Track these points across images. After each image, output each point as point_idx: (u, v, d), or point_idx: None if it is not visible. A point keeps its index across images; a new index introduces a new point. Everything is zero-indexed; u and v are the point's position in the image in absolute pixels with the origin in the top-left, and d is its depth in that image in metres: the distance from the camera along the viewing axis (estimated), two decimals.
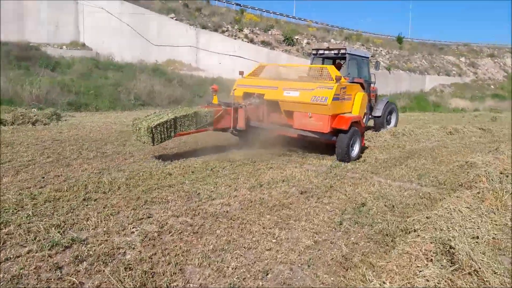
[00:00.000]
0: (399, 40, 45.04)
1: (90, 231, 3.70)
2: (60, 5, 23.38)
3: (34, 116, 10.35)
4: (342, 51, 11.27)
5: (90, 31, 24.37)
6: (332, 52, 11.58)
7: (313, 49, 12.71)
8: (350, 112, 7.67)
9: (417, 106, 26.63)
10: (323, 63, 12.02)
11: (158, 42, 25.35)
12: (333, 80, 7.20)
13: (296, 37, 30.79)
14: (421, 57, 41.81)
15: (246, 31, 28.09)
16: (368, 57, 12.56)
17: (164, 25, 25.52)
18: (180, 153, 7.60)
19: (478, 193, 4.78)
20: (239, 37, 27.22)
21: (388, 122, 13.13)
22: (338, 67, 11.35)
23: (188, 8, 28.94)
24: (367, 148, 9.01)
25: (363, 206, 4.68)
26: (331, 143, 7.56)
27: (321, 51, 11.98)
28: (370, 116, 12.21)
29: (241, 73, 8.92)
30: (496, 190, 4.86)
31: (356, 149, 7.71)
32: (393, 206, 4.72)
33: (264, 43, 27.53)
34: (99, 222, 3.90)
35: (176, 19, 25.94)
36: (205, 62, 26.00)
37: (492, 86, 40.65)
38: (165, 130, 6.40)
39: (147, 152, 7.31)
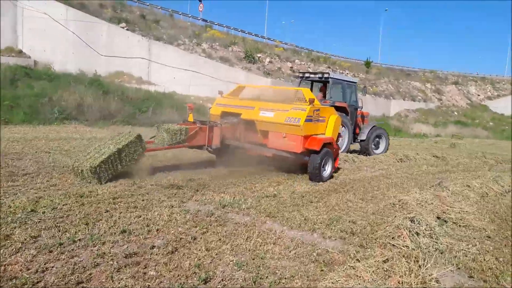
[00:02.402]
0: (367, 64, 44.95)
1: None
2: None
3: None
4: (326, 75, 11.53)
5: (30, 37, 22.31)
6: (317, 76, 11.87)
7: (299, 72, 13.04)
8: (324, 134, 7.75)
9: None
10: (311, 87, 12.53)
11: (106, 53, 23.54)
12: (307, 102, 7.29)
13: (259, 55, 29.68)
14: (387, 82, 41.61)
15: (204, 45, 26.74)
16: (355, 83, 12.71)
17: (114, 35, 23.79)
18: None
19: (386, 260, 3.24)
20: (196, 52, 25.79)
21: (376, 147, 12.81)
22: (322, 91, 11.78)
23: (145, 19, 27.38)
24: (340, 169, 8.92)
25: (204, 283, 3.01)
26: (304, 163, 7.66)
27: (306, 75, 12.28)
28: (357, 140, 12.38)
29: (221, 92, 9.12)
30: (417, 255, 3.35)
31: (328, 170, 7.78)
32: (255, 282, 3.08)
33: (223, 59, 26.20)
34: None
35: (127, 29, 24.28)
36: (157, 76, 24.33)
37: (455, 113, 40.69)
38: (111, 165, 5.92)
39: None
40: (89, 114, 15.63)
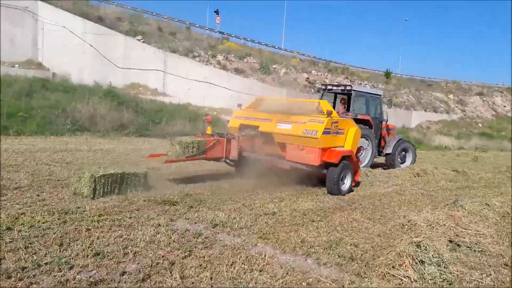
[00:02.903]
0: (387, 75, 44.14)
1: None
2: (18, 21, 21.94)
3: None
4: (348, 88, 11.49)
5: (50, 50, 22.82)
6: (339, 88, 11.86)
7: (322, 85, 13.13)
8: (343, 146, 7.66)
9: None
10: (335, 99, 12.43)
11: (123, 65, 23.83)
12: (325, 115, 7.27)
13: (274, 66, 29.48)
14: (408, 93, 40.65)
15: (219, 57, 26.73)
16: (380, 95, 12.49)
17: (131, 47, 24.09)
18: None
19: None
20: (211, 63, 25.81)
21: (402, 161, 12.58)
22: (343, 103, 11.65)
23: (161, 32, 27.67)
24: (360, 183, 8.71)
25: None
26: (322, 176, 7.60)
27: (329, 87, 12.25)
28: (383, 153, 12.24)
29: (239, 105, 9.11)
30: None
31: (347, 183, 7.67)
32: None
33: (238, 71, 26.11)
34: None
35: (143, 41, 24.55)
36: (172, 88, 24.43)
37: (480, 124, 39.29)
38: (110, 184, 5.78)
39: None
40: (101, 125, 15.67)
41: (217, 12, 40.52)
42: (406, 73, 51.22)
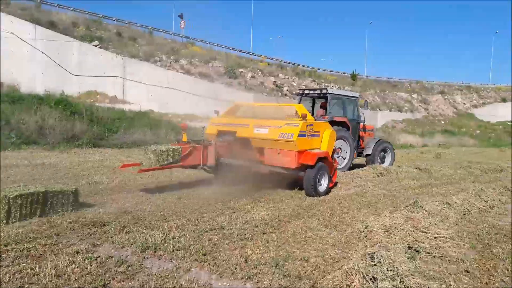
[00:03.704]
0: (353, 77, 44.68)
1: None
2: None
3: None
4: (324, 91, 11.51)
5: None
6: (316, 92, 11.92)
7: (299, 89, 13.10)
8: (319, 149, 7.76)
9: None
10: (313, 103, 12.81)
11: (79, 72, 22.71)
12: (300, 118, 7.37)
13: (240, 70, 29.03)
14: (373, 94, 41.25)
15: (183, 61, 26.01)
16: (356, 97, 12.60)
17: (86, 53, 23.01)
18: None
19: None
20: (173, 68, 25.06)
21: (382, 161, 12.74)
22: (323, 107, 11.73)
23: (120, 37, 26.67)
24: (337, 183, 8.80)
25: None
26: (300, 178, 7.65)
27: (306, 91, 12.39)
28: (363, 154, 12.51)
29: (216, 112, 9.11)
30: None
31: (324, 184, 7.76)
32: None
33: (202, 75, 25.48)
34: None
35: (100, 47, 23.52)
36: (133, 94, 23.51)
37: (442, 122, 40.31)
38: (29, 204, 4.99)
39: None
40: (50, 137, 14.64)
41: (181, 16, 39.73)
42: (372, 75, 52.11)
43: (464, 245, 4.69)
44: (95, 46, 23.47)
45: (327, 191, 7.87)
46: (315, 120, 10.36)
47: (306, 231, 5.13)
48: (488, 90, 51.42)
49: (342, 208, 6.57)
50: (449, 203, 6.46)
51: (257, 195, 7.28)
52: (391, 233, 4.61)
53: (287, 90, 29.54)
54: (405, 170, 11.66)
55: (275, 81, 30.57)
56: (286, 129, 7.28)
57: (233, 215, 5.75)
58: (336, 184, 8.66)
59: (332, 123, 10.85)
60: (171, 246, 4.26)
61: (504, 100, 48.16)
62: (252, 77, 29.09)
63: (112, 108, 20.40)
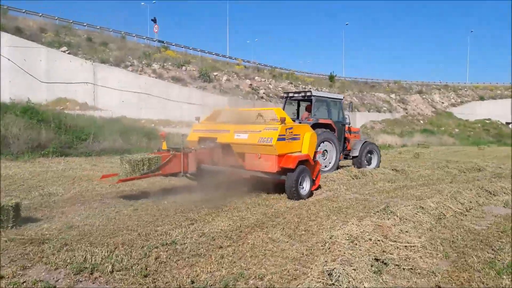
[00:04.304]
0: (331, 78, 44.75)
1: None
2: None
3: None
4: (308, 94, 11.44)
5: None
6: (300, 95, 11.81)
7: (284, 93, 12.99)
8: (300, 152, 7.69)
9: None
10: (298, 106, 12.82)
11: (47, 79, 21.85)
12: (279, 122, 7.34)
13: (215, 73, 28.55)
14: (351, 95, 41.28)
15: (155, 66, 25.38)
16: (341, 99, 12.53)
17: (55, 60, 22.16)
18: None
19: None
20: (145, 73, 24.40)
21: (369, 162, 12.74)
22: (308, 110, 11.74)
23: (91, 42, 25.88)
24: (320, 187, 8.65)
25: None
26: (281, 182, 7.58)
27: (291, 94, 12.33)
28: (350, 156, 12.50)
29: (197, 118, 9.11)
30: None
31: (306, 187, 7.70)
32: None
33: (176, 79, 24.90)
34: None
35: (69, 53, 22.70)
36: (105, 101, 22.75)
37: (421, 121, 40.64)
38: None
39: None
40: (14, 147, 13.88)
41: (154, 20, 39.25)
42: (350, 76, 52.41)
43: (437, 254, 4.33)
44: (64, 52, 22.65)
45: (310, 193, 7.80)
46: (300, 123, 10.45)
47: (267, 243, 4.69)
48: (465, 89, 52.25)
49: (310, 216, 6.17)
50: (423, 207, 6.12)
51: (222, 203, 6.82)
52: (356, 244, 4.21)
53: (263, 93, 29.19)
54: (381, 172, 11.39)
55: (251, 84, 30.20)
56: (265, 133, 7.26)
57: (190, 227, 5.28)
58: (319, 186, 8.54)
59: (317, 125, 10.96)
60: (111, 266, 3.77)
61: (481, 98, 49.01)
62: (227, 80, 28.65)
63: (81, 116, 19.65)
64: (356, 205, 7.02)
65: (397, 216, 5.44)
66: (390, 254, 4.11)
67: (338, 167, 11.64)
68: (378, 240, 4.38)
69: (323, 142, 11.03)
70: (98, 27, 31.57)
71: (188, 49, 37.58)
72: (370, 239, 4.37)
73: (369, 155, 12.79)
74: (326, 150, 11.28)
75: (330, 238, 4.57)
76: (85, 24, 30.83)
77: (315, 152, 8.25)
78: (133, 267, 3.78)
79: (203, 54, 38.25)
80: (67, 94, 22.05)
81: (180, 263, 3.95)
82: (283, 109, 11.96)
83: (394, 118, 39.44)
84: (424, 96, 48.14)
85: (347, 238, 4.35)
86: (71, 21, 29.78)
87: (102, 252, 4.12)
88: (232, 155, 7.89)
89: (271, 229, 5.34)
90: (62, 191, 7.56)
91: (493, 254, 4.42)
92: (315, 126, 10.70)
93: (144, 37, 35.59)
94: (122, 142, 17.63)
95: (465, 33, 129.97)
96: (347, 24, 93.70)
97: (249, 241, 4.77)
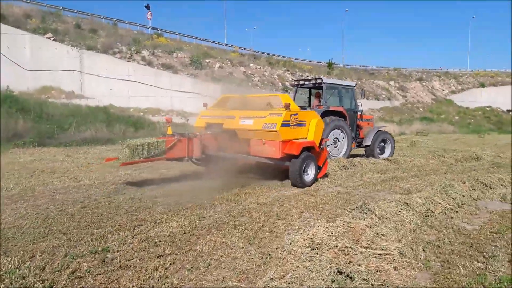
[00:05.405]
0: (329, 65, 43.72)
1: None
2: None
3: None
4: (319, 81, 11.23)
5: None
6: (311, 82, 11.68)
7: (295, 80, 12.89)
8: (305, 138, 7.63)
9: None
10: (310, 94, 12.55)
11: (31, 66, 21.08)
12: (283, 108, 7.24)
13: (208, 60, 27.66)
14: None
15: (145, 53, 24.50)
16: (353, 86, 12.20)
17: (39, 47, 21.37)
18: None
19: None
20: (135, 60, 23.56)
21: (382, 152, 12.34)
22: (318, 97, 11.54)
23: (80, 29, 24.99)
24: (327, 176, 8.47)
25: None
26: (286, 169, 7.59)
27: (301, 82, 12.21)
28: (362, 145, 12.11)
29: (205, 105, 9.12)
30: None
31: (311, 174, 7.66)
32: None
33: (166, 66, 24.04)
34: None
35: (54, 39, 21.86)
36: (92, 89, 21.99)
37: (421, 109, 39.73)
38: None
39: None
40: None
41: (147, 7, 38.07)
42: (350, 63, 51.29)
43: (416, 264, 3.61)
44: (49, 38, 21.79)
45: (315, 180, 7.74)
46: (312, 109, 10.29)
47: (218, 250, 3.98)
48: (466, 76, 51.11)
49: (280, 213, 5.44)
50: (407, 203, 5.38)
51: (185, 201, 6.10)
52: (318, 253, 3.49)
53: (258, 81, 28.32)
54: (372, 162, 10.66)
55: (245, 71, 29.30)
56: (269, 119, 7.22)
57: (135, 230, 4.57)
58: (327, 174, 8.41)
59: (328, 112, 10.78)
60: (12, 283, 3.06)
61: (482, 85, 47.92)
62: (220, 67, 27.74)
63: (66, 104, 18.93)
64: (335, 200, 6.29)
65: (375, 215, 4.70)
66: (357, 265, 3.38)
67: (350, 156, 11.39)
68: (346, 247, 3.64)
69: (334, 129, 10.78)
70: (89, 14, 30.62)
71: (183, 36, 36.63)
72: (336, 246, 3.64)
73: (382, 144, 12.37)
74: (337, 138, 11.00)
75: (290, 243, 3.84)
76: (75, 11, 29.89)
77: (322, 139, 8.08)
78: (35, 285, 3.07)
79: (198, 42, 37.30)
80: (53, 83, 21.31)
81: (98, 279, 3.24)
82: (294, 97, 12.06)
83: (393, 106, 38.56)
84: (424, 84, 47.08)
85: (308, 245, 3.62)
86: (60, 7, 28.86)
87: (11, 263, 3.43)
88: (237, 141, 7.88)
89: (231, 231, 4.63)
90: (12, 186, 6.85)
91: (483, 263, 3.70)
92: (326, 113, 10.66)
93: (137, 24, 34.60)
94: (106, 132, 16.92)
95: (466, 19, 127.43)
96: (346, 10, 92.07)
97: (197, 247, 4.06)
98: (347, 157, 11.04)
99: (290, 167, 7.37)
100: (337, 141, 11.03)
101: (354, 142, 11.78)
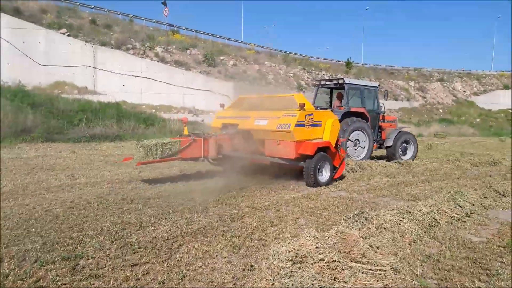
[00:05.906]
0: (348, 64, 42.95)
1: None
2: None
3: None
4: (340, 82, 11.18)
5: None
6: (332, 83, 11.61)
7: (316, 80, 13.02)
8: (321, 138, 7.62)
9: None
10: (331, 94, 12.47)
11: (46, 61, 21.26)
12: (298, 108, 7.21)
13: (222, 57, 27.46)
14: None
15: (158, 49, 24.46)
16: (376, 87, 11.96)
17: (54, 42, 21.55)
18: None
19: None
20: (147, 56, 23.53)
21: (404, 153, 12.06)
22: (339, 97, 11.48)
23: (95, 25, 25.14)
24: (344, 177, 8.42)
25: None
26: (300, 169, 7.54)
27: (323, 82, 12.10)
28: (384, 146, 11.95)
29: (222, 105, 9.23)
30: None
31: (326, 175, 7.62)
32: None
33: (179, 63, 23.95)
34: None
35: (68, 35, 22.01)
36: (105, 85, 22.06)
37: (440, 111, 38.65)
38: None
39: None
40: None
41: (164, 3, 38.10)
42: (369, 62, 50.33)
43: (411, 282, 3.26)
44: (63, 34, 21.96)
45: (330, 181, 7.64)
46: (332, 110, 10.16)
47: (198, 260, 3.72)
48: (490, 77, 49.49)
49: (275, 219, 5.15)
50: (410, 211, 5.01)
51: (178, 203, 5.86)
52: (300, 268, 3.18)
53: (272, 79, 27.97)
54: (382, 165, 10.26)
55: (259, 69, 28.98)
56: (284, 119, 7.21)
57: (117, 234, 4.35)
58: (343, 176, 8.38)
59: (349, 114, 10.70)
60: None
61: (506, 87, 46.31)
62: (234, 65, 27.50)
63: (78, 100, 19.01)
64: (336, 205, 5.95)
65: (372, 225, 4.36)
66: (343, 282, 3.07)
67: (371, 157, 11.33)
68: (334, 261, 3.33)
69: (355, 131, 10.62)
70: (106, 10, 30.83)
71: (199, 33, 36.54)
72: (323, 259, 3.33)
73: (404, 145, 12.02)
74: (358, 139, 10.88)
75: (274, 254, 3.55)
76: (92, 7, 30.14)
77: (338, 140, 8.03)
78: None
79: (214, 39, 37.14)
80: (66, 78, 21.47)
81: None
82: (315, 97, 12.02)
83: (412, 107, 37.60)
84: (445, 84, 45.78)
85: (291, 258, 3.32)
86: (78, 3, 29.12)
87: None
88: (252, 141, 7.89)
89: (217, 237, 4.36)
90: (5, 183, 6.75)
91: (486, 282, 3.33)
92: (347, 114, 10.60)
93: (154, 21, 34.70)
94: (118, 128, 16.90)
95: (491, 19, 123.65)
96: (367, 9, 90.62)
97: (177, 255, 3.81)
98: (368, 159, 10.93)
99: (304, 167, 7.32)
100: (358, 142, 10.88)
101: (375, 143, 11.59)
